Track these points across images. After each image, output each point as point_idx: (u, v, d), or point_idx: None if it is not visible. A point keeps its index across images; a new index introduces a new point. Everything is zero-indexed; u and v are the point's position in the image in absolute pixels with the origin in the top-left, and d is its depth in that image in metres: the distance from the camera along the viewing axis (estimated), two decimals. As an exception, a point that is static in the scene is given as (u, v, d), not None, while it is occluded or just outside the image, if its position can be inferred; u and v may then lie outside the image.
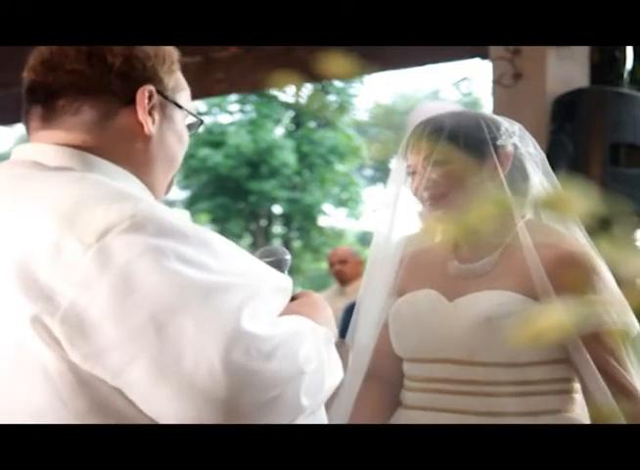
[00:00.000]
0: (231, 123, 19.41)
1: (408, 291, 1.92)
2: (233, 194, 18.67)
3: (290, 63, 4.50)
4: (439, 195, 1.83)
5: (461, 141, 1.83)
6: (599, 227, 1.83)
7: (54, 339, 1.11)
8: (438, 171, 1.83)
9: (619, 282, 1.74)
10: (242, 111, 19.78)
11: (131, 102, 1.29)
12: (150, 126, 1.30)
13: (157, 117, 1.31)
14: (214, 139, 18.41)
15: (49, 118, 1.29)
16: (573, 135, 3.94)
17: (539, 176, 1.87)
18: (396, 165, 1.94)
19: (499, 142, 1.84)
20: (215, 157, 18.17)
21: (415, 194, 1.88)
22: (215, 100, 17.74)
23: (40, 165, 1.26)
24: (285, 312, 1.24)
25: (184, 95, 1.38)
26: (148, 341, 1.08)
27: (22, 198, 1.21)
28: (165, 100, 1.33)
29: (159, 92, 1.31)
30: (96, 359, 1.10)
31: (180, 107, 1.35)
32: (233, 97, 18.52)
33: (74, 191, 1.18)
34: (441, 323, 1.83)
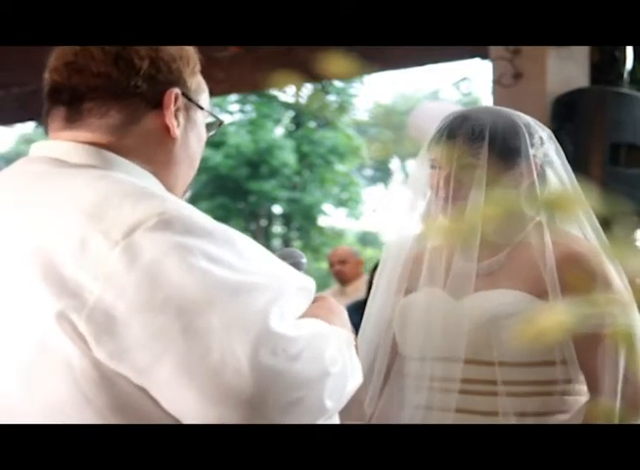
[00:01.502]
0: (231, 123, 19.40)
1: (415, 290, 1.91)
2: (233, 194, 18.67)
3: (290, 63, 4.49)
4: (461, 196, 1.81)
5: (498, 146, 1.80)
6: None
7: (79, 335, 1.11)
8: (467, 173, 1.81)
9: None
10: (242, 111, 19.79)
11: (157, 105, 1.29)
12: (175, 129, 1.30)
13: (181, 119, 1.32)
14: (214, 139, 18.20)
15: (73, 120, 1.28)
16: (573, 135, 3.94)
17: (557, 181, 1.85)
18: (420, 158, 1.91)
19: (532, 151, 1.83)
20: (215, 157, 18.18)
21: (433, 188, 1.85)
22: (215, 100, 17.75)
23: (61, 162, 1.25)
24: (303, 316, 1.24)
25: (204, 96, 1.38)
26: (174, 339, 1.08)
27: (43, 195, 1.20)
28: (190, 102, 1.33)
29: (183, 94, 1.31)
30: (122, 357, 1.10)
31: (202, 108, 1.36)
32: (233, 97, 18.52)
33: (98, 188, 1.18)
34: (447, 322, 1.82)
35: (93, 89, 1.27)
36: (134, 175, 1.25)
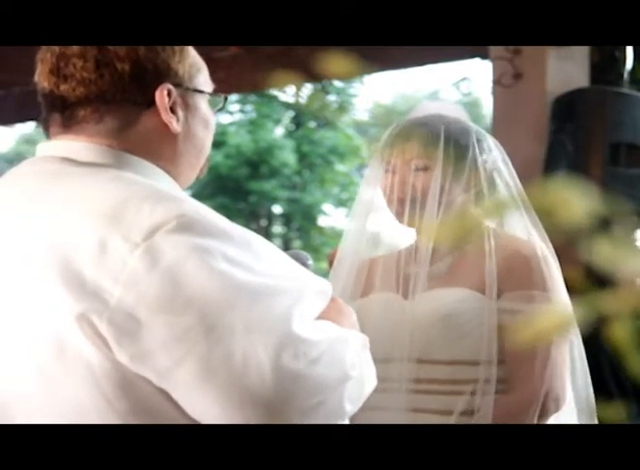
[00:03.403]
0: (231, 123, 19.40)
1: (368, 294, 1.93)
2: (233, 194, 18.66)
3: (290, 63, 4.50)
4: (413, 199, 1.86)
5: (451, 151, 1.86)
6: (599, 227, 1.85)
7: (100, 337, 1.10)
8: (420, 176, 1.86)
9: (619, 282, 1.75)
10: (242, 111, 19.77)
11: (151, 104, 1.26)
12: (175, 125, 1.27)
13: (180, 112, 1.28)
14: (214, 139, 18.15)
15: (69, 126, 1.26)
16: (573, 135, 3.94)
17: (504, 188, 1.91)
18: (374, 163, 1.95)
19: (483, 157, 1.89)
20: (215, 157, 18.15)
21: (385, 193, 1.90)
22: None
23: (72, 162, 1.23)
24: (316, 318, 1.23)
25: (202, 75, 1.32)
26: (196, 342, 1.07)
27: (57, 195, 1.18)
28: (185, 91, 1.29)
29: (176, 85, 1.27)
30: (143, 360, 1.09)
31: (202, 91, 1.31)
32: (233, 97, 18.50)
33: (114, 190, 1.16)
34: (397, 321, 1.85)
35: (83, 98, 1.24)
36: (147, 175, 1.23)
